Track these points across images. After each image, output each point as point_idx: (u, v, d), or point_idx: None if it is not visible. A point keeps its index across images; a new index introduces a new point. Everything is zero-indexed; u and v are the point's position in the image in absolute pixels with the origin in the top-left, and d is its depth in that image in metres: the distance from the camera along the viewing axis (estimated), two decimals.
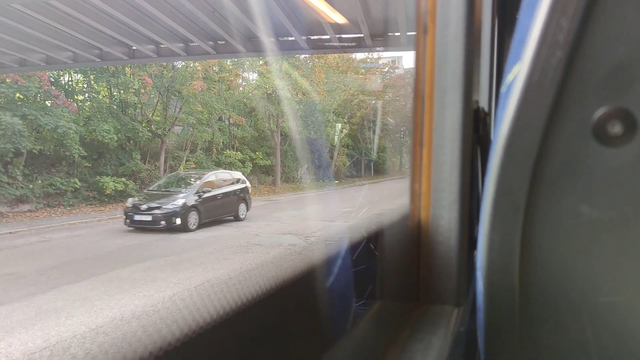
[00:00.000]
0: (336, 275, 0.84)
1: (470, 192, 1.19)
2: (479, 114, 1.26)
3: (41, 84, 18.51)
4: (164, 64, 22.01)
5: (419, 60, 1.14)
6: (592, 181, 0.68)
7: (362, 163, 41.59)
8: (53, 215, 17.50)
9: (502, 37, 2.16)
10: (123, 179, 20.83)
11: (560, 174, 0.69)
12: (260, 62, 28.82)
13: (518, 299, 0.76)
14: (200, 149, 26.24)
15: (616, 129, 0.65)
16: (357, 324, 0.95)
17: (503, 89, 0.80)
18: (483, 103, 1.77)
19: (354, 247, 0.97)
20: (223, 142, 27.84)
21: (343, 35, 12.07)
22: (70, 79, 22.50)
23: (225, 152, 27.81)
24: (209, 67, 25.67)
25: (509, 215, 0.74)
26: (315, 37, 12.26)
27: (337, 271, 0.84)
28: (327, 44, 12.32)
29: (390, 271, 1.10)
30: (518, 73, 0.69)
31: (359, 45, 12.19)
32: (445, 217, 1.11)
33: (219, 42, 12.56)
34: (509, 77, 0.75)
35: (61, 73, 21.47)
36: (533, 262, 0.74)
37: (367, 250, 1.04)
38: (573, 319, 0.73)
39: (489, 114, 1.44)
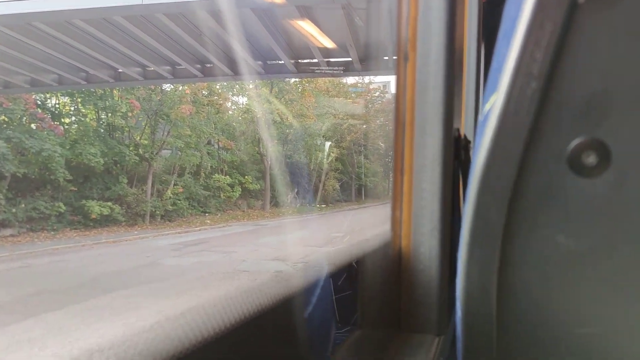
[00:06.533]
0: (316, 303, 0.82)
1: (452, 220, 1.19)
2: (459, 141, 1.27)
3: (27, 106, 18.37)
4: (152, 87, 22.04)
5: (399, 88, 1.15)
6: (568, 211, 0.68)
7: (352, 187, 41.57)
8: (36, 240, 17.17)
9: (489, 64, 2.16)
10: (109, 203, 20.60)
11: (536, 203, 0.69)
12: (250, 86, 28.93)
13: (496, 329, 0.75)
14: (189, 173, 26.09)
15: (591, 159, 0.65)
16: (336, 352, 0.94)
17: (481, 117, 0.81)
18: (468, 130, 1.78)
19: (334, 275, 0.96)
20: (211, 166, 27.73)
21: (331, 59, 12.20)
22: (57, 101, 22.41)
23: (214, 177, 27.68)
24: (198, 90, 25.71)
25: (487, 245, 0.73)
26: (304, 60, 12.37)
27: (317, 299, 0.83)
28: (315, 67, 12.43)
29: (371, 299, 1.09)
30: (495, 102, 0.69)
31: (347, 69, 12.31)
32: (426, 244, 1.10)
33: (207, 65, 12.61)
34: (486, 107, 0.76)
35: (48, 96, 21.39)
36: (511, 292, 0.73)
37: (348, 278, 1.03)
38: (551, 350, 0.73)
39: (471, 141, 1.44)
